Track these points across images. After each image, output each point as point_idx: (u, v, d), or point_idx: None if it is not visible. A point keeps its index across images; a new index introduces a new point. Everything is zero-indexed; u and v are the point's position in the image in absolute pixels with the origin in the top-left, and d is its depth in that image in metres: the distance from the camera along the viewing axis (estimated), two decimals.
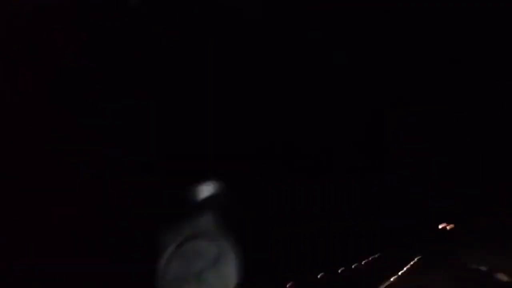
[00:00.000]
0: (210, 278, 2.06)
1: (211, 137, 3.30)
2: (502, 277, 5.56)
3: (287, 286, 4.55)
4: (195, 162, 2.84)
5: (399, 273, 9.39)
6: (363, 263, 9.39)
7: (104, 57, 2.69)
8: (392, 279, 8.30)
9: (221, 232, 2.22)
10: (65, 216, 2.29)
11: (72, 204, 2.34)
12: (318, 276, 6.42)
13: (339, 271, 7.53)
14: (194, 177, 2.69)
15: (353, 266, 8.41)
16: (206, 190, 2.39)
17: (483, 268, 7.44)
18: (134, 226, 2.47)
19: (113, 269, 2.35)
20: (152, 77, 3.08)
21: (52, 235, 2.22)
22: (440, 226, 15.33)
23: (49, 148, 2.35)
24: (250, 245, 2.63)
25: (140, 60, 2.92)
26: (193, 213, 2.24)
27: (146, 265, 2.26)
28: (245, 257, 2.33)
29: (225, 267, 2.05)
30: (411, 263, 12.24)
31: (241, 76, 3.86)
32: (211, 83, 3.64)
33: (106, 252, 2.35)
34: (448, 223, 15.00)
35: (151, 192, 2.51)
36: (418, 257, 13.56)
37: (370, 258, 10.02)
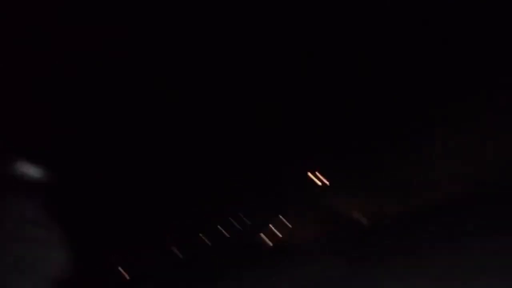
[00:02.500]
0: (39, 263, 2.00)
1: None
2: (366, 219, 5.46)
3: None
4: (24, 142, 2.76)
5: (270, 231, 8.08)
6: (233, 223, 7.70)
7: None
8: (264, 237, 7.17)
9: (51, 216, 2.21)
10: None
11: None
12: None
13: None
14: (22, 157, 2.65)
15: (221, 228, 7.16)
16: (34, 172, 2.34)
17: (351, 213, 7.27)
18: None
19: None
20: None
21: None
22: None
23: None
24: (82, 228, 2.62)
25: None
26: (20, 197, 2.20)
27: None
28: (78, 241, 2.35)
29: (55, 253, 2.03)
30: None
31: None
32: None
33: None
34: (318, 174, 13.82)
35: None
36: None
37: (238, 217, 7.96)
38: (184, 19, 3.19)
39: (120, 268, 5.52)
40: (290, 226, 6.01)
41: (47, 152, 2.63)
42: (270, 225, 6.59)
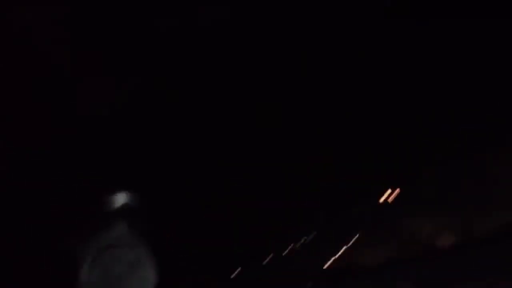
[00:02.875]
0: (129, 283, 2.33)
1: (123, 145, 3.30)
2: (446, 240, 5.46)
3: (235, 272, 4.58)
4: (107, 169, 2.89)
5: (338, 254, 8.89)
6: (298, 245, 8.55)
7: None
8: (331, 260, 7.86)
9: (138, 238, 2.28)
10: None
11: None
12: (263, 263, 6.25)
13: (269, 258, 7.14)
14: (107, 184, 2.72)
15: (287, 250, 7.78)
16: (120, 197, 2.45)
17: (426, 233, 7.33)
18: (51, 234, 2.56)
19: (32, 280, 2.50)
20: None
21: None
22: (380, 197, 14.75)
23: None
24: (167, 248, 2.77)
25: None
26: (109, 221, 2.30)
27: (66, 275, 2.44)
28: (163, 260, 2.42)
29: (142, 272, 2.34)
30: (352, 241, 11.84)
31: None
32: None
33: (23, 263, 2.51)
34: (389, 191, 14.51)
35: (67, 199, 2.55)
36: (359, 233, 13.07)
37: (304, 240, 9.02)
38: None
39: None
40: (359, 248, 5.90)
41: (130, 175, 2.81)
42: (338, 248, 6.55)
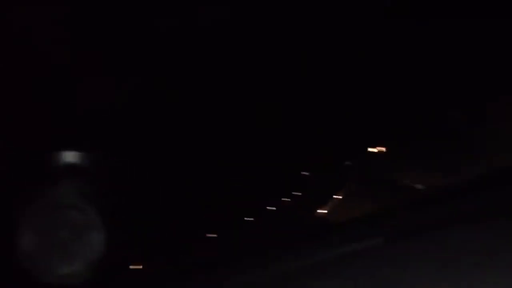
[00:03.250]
0: (75, 247, 2.16)
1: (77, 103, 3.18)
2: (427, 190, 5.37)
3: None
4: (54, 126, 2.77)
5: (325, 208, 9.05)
6: (285, 201, 8.58)
7: None
8: (319, 214, 7.97)
9: (87, 200, 2.16)
10: None
11: None
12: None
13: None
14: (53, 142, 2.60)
15: (274, 206, 7.76)
16: (67, 156, 2.31)
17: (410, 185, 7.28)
18: None
19: None
20: None
21: None
22: (369, 150, 14.92)
23: None
24: (118, 213, 2.61)
25: None
26: (56, 181, 2.17)
27: (6, 239, 2.28)
28: (113, 226, 2.30)
29: (90, 236, 2.18)
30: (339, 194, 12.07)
31: None
32: None
33: None
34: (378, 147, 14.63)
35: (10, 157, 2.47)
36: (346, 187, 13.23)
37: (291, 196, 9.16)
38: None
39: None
40: (341, 199, 5.96)
41: (83, 136, 2.67)
42: (323, 201, 6.61)
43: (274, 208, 5.49)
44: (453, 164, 3.53)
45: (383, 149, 5.70)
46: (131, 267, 2.67)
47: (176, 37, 3.00)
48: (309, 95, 4.10)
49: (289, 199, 6.25)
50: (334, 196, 5.74)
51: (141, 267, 2.82)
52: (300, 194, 5.97)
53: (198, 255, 3.19)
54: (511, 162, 2.82)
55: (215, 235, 3.60)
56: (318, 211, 5.92)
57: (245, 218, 4.61)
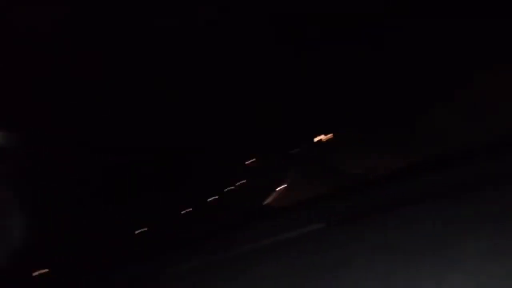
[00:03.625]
0: None
1: None
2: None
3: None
4: None
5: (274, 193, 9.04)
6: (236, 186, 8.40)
7: None
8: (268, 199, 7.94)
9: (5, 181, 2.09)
10: None
11: None
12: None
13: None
14: None
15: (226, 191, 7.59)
16: None
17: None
18: None
19: None
20: None
21: None
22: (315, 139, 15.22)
23: None
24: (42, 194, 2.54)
25: None
26: None
27: None
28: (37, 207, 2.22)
29: (9, 218, 2.12)
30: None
31: None
32: None
33: None
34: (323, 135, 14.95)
35: None
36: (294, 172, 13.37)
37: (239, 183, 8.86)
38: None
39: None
40: (286, 186, 5.98)
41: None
42: (269, 186, 6.63)
43: (216, 197, 5.38)
44: (395, 150, 3.61)
45: (330, 136, 5.69)
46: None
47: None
48: (254, 84, 4.08)
49: (232, 187, 6.15)
50: (279, 184, 5.68)
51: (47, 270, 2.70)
52: (244, 182, 5.89)
53: (129, 249, 3.11)
54: (447, 149, 2.91)
55: (145, 229, 3.51)
56: (262, 198, 5.85)
57: (182, 211, 4.50)
